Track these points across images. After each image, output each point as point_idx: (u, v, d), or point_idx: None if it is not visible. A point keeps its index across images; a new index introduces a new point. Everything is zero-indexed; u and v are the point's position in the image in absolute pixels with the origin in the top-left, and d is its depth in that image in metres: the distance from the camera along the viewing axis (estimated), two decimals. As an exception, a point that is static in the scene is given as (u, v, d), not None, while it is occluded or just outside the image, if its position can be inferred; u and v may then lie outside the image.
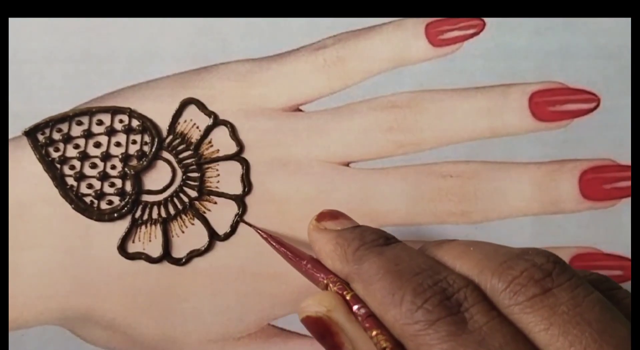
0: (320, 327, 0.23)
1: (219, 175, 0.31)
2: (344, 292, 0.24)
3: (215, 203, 0.31)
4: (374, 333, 0.22)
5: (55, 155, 0.31)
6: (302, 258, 0.27)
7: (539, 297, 0.20)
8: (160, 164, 0.32)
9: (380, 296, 0.22)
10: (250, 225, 0.31)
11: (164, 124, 0.32)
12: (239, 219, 0.31)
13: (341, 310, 0.23)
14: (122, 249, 0.31)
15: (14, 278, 0.31)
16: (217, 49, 0.32)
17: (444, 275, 0.22)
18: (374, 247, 0.24)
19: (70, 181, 0.31)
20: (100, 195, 0.31)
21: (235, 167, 0.31)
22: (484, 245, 0.23)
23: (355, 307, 0.23)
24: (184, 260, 0.31)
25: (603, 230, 0.31)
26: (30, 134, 0.31)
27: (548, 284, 0.21)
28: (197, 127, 0.32)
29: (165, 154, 0.32)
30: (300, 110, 0.32)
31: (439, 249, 0.24)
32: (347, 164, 0.31)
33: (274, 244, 0.29)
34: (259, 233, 0.30)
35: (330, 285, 0.24)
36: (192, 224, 0.31)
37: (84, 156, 0.31)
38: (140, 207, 0.31)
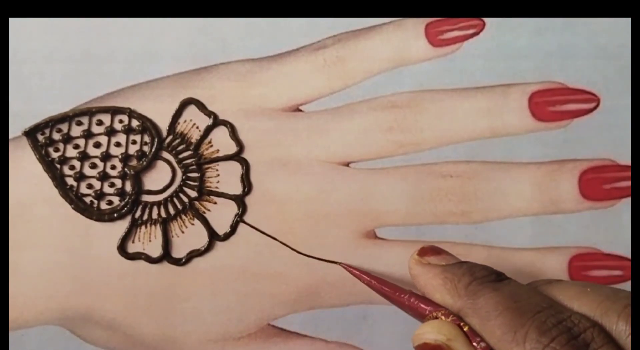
0: None
1: (218, 175, 0.31)
2: (461, 324, 0.24)
3: (215, 203, 0.31)
4: None
5: (55, 155, 0.31)
6: (402, 292, 0.27)
7: None
8: (160, 164, 0.32)
9: (500, 333, 0.22)
10: (345, 266, 0.30)
11: (163, 124, 0.32)
12: (239, 219, 0.31)
13: (460, 340, 0.23)
14: (122, 249, 0.31)
15: (14, 278, 0.31)
16: (217, 49, 0.32)
17: (567, 315, 0.22)
18: (487, 282, 0.24)
19: (70, 181, 0.31)
20: (100, 195, 0.31)
21: (235, 167, 0.31)
22: (600, 287, 0.23)
23: (475, 340, 0.23)
24: (183, 260, 0.31)
25: (603, 230, 0.31)
26: (30, 134, 0.31)
27: None
28: (197, 127, 0.32)
29: (165, 154, 0.32)
30: (300, 111, 0.32)
31: (552, 287, 0.24)
32: (347, 164, 0.31)
33: (370, 280, 0.28)
34: (351, 272, 0.29)
35: (442, 317, 0.24)
36: (192, 224, 0.31)
37: (83, 156, 0.31)
38: (140, 207, 0.31)
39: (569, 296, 0.23)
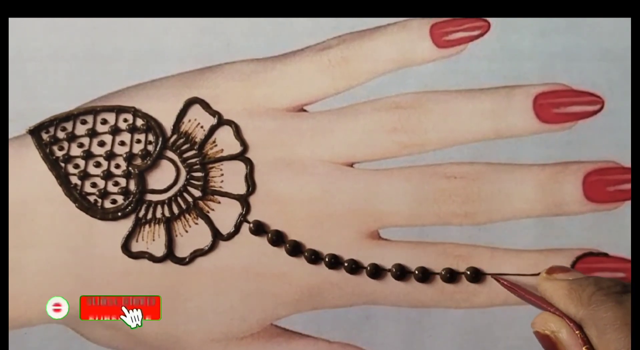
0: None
1: (222, 174, 0.31)
2: (577, 332, 0.24)
3: (219, 203, 0.31)
4: None
5: (59, 153, 0.31)
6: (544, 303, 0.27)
7: None
8: (165, 163, 0.32)
9: (613, 348, 0.22)
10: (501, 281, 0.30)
11: (168, 123, 0.32)
12: (243, 218, 0.31)
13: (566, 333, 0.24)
14: (125, 248, 0.31)
15: (17, 276, 0.31)
16: (221, 49, 0.32)
17: None
18: (612, 293, 0.24)
19: (75, 180, 0.31)
20: (104, 194, 0.31)
21: (239, 167, 0.31)
22: None
23: (585, 346, 0.23)
24: (187, 259, 0.31)
25: (606, 232, 0.31)
26: (35, 132, 0.31)
27: None
28: (202, 127, 0.32)
29: (170, 154, 0.32)
30: (305, 111, 0.32)
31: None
32: (351, 165, 0.31)
33: (520, 292, 0.28)
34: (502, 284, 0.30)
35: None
36: (196, 224, 0.31)
37: (88, 155, 0.31)
38: (144, 207, 0.31)
39: None
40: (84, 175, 0.31)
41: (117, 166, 0.31)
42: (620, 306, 0.23)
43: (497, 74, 0.32)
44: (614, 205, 0.31)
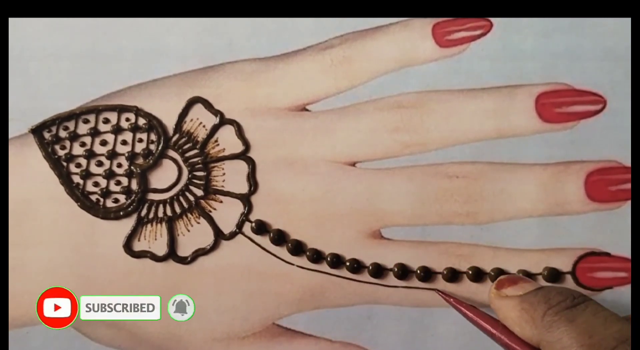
0: None
1: (224, 174, 0.32)
2: None
3: (221, 202, 0.31)
4: None
5: (61, 153, 0.31)
6: (494, 327, 0.26)
7: None
8: (167, 162, 0.32)
9: None
10: (441, 294, 0.30)
11: (170, 123, 0.32)
12: (245, 218, 0.31)
13: None
14: (127, 247, 0.31)
15: (19, 275, 0.31)
16: (223, 49, 0.32)
17: None
18: (562, 311, 0.24)
19: (77, 179, 0.31)
20: (106, 193, 0.31)
21: (241, 166, 0.31)
22: None
23: None
24: (189, 259, 0.31)
25: (608, 232, 0.31)
26: (37, 131, 0.31)
27: None
28: (204, 126, 0.32)
29: (172, 153, 0.32)
30: (307, 110, 0.32)
31: None
32: (353, 164, 0.31)
33: (466, 312, 0.28)
34: (447, 300, 0.30)
35: None
36: (198, 223, 0.31)
37: (90, 154, 0.31)
38: (146, 206, 0.31)
39: None
40: (86, 175, 0.31)
41: (119, 165, 0.31)
42: (571, 325, 0.23)
43: (499, 74, 0.32)
44: (616, 205, 0.31)
